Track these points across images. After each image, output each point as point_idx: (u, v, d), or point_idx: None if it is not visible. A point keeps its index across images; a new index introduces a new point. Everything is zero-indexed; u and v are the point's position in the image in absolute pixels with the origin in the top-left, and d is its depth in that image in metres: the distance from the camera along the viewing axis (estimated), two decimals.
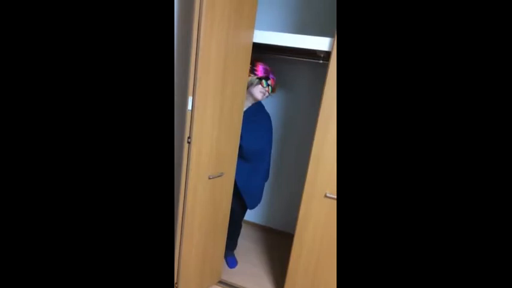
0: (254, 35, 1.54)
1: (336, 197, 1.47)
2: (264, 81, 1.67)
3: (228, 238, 1.88)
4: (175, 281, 1.61)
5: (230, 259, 2.10)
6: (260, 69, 1.67)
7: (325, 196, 1.49)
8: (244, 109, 1.69)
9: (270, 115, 1.85)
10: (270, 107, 2.09)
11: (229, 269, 2.05)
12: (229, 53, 1.38)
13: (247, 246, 2.35)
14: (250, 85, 1.67)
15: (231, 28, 1.35)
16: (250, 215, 2.67)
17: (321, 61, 1.79)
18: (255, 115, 1.76)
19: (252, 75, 1.66)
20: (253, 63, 1.68)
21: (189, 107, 1.33)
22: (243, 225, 2.42)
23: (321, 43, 1.48)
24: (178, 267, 1.58)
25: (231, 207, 1.78)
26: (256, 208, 2.16)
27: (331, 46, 1.40)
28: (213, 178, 1.54)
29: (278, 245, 2.43)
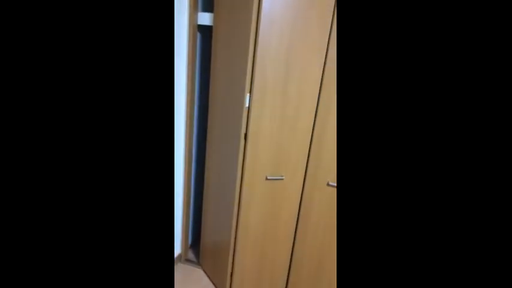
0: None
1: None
2: None
3: None
4: (230, 272, 1.67)
5: None
6: None
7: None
8: None
9: None
10: None
11: None
12: (293, 48, 1.31)
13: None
14: None
15: (298, 22, 1.28)
16: None
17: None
18: None
19: None
20: None
21: (247, 104, 1.37)
22: None
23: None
24: (233, 261, 1.64)
25: None
26: None
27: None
28: (271, 180, 1.50)
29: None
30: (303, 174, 1.54)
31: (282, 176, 1.50)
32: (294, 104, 1.40)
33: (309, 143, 1.49)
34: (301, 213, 1.61)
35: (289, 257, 1.73)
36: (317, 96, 1.42)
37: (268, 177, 1.48)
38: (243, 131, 1.41)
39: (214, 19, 1.54)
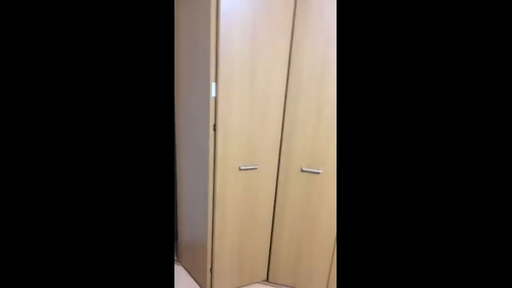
0: None
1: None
2: None
3: None
4: (209, 267, 1.65)
5: None
6: None
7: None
8: None
9: None
10: None
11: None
12: (258, 35, 1.27)
13: None
14: None
15: (260, 8, 1.23)
16: None
17: None
18: None
19: None
20: None
21: (213, 93, 1.31)
22: None
23: None
24: (212, 255, 1.61)
25: None
26: None
27: None
28: (245, 170, 1.47)
29: None
30: (277, 162, 1.53)
31: (255, 165, 1.48)
32: (262, 92, 1.37)
33: (280, 131, 1.47)
34: (277, 200, 1.61)
35: (269, 246, 1.73)
36: (285, 84, 1.39)
37: (242, 168, 1.45)
38: (212, 122, 1.35)
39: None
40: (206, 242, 1.59)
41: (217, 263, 1.64)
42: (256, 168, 1.49)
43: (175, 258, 2.00)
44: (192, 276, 1.84)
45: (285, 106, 1.44)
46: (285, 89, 1.41)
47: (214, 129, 1.37)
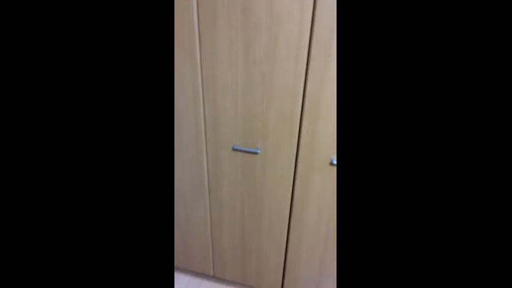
0: None
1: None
2: None
3: None
4: (211, 257, 1.34)
5: None
6: None
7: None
8: None
9: None
10: None
11: None
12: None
13: None
14: None
15: None
16: None
17: None
18: None
19: None
20: None
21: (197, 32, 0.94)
22: None
23: None
24: (212, 244, 1.34)
25: None
26: None
27: None
28: (240, 151, 1.05)
29: None
30: (294, 149, 1.02)
31: (257, 149, 1.03)
32: (264, 47, 0.89)
33: (300, 105, 0.95)
34: (295, 201, 1.12)
35: (283, 257, 1.28)
36: (309, 25, 0.86)
37: (236, 147, 1.04)
38: (200, 76, 0.99)
39: None
40: (206, 233, 1.34)
41: (217, 257, 1.38)
42: (257, 153, 1.04)
43: None
44: (187, 271, 1.59)
45: (307, 68, 0.90)
46: (308, 38, 0.85)
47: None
